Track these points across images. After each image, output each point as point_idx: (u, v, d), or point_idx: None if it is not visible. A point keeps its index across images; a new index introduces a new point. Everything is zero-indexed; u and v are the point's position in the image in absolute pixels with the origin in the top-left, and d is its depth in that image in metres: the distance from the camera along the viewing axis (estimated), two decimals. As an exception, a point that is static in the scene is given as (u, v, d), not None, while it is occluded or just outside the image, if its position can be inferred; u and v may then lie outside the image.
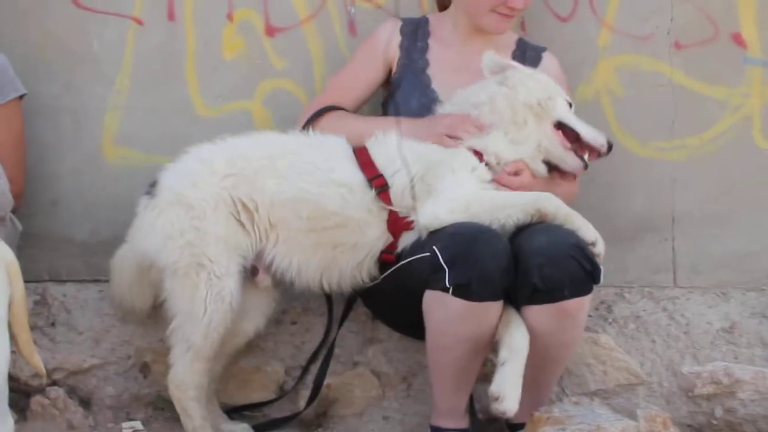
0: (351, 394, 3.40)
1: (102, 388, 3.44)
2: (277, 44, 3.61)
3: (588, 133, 3.10)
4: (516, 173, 3.06)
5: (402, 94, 3.30)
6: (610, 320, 3.51)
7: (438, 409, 3.12)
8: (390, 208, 3.03)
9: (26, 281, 2.80)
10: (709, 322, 3.52)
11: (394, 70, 3.35)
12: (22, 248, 3.24)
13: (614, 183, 3.55)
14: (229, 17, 3.60)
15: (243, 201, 3.07)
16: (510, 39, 3.40)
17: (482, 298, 2.87)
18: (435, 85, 3.32)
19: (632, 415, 2.88)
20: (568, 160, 3.10)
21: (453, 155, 3.04)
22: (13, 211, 3.44)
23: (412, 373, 3.43)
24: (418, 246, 3.00)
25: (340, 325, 3.33)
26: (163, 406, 3.43)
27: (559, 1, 3.57)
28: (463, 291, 2.85)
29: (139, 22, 3.61)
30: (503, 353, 2.92)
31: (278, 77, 3.61)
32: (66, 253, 3.68)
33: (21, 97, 3.50)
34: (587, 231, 2.91)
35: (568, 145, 3.08)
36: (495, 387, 2.90)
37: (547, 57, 3.38)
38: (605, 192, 3.54)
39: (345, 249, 3.04)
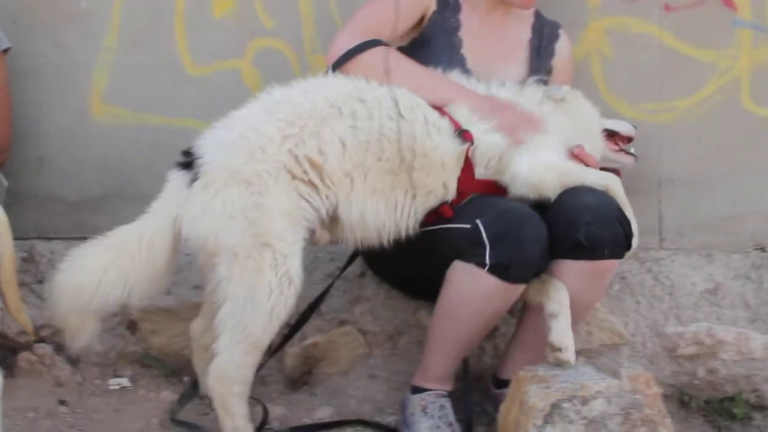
0: (337, 352, 3.38)
1: (89, 345, 3.38)
2: (267, 3, 3.54)
3: (620, 127, 3.21)
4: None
5: (430, 52, 3.14)
6: (595, 281, 3.41)
7: (427, 372, 3.07)
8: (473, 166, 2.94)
9: (14, 239, 2.78)
10: (693, 283, 3.49)
11: (425, 22, 3.18)
12: (8, 205, 3.20)
13: None
14: (218, -25, 3.54)
15: (310, 157, 2.83)
16: (528, 10, 3.32)
17: (518, 280, 2.85)
18: (465, 50, 3.19)
19: (616, 375, 2.86)
20: (621, 159, 3.21)
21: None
22: (-1, 167, 3.39)
23: (399, 332, 3.42)
24: (457, 214, 2.93)
25: (340, 273, 3.26)
26: (150, 364, 3.42)
27: (549, -38, 3.53)
28: (500, 271, 2.82)
29: (128, -21, 3.55)
30: (553, 306, 2.90)
31: (268, 36, 3.54)
32: (53, 211, 3.66)
33: (5, 51, 3.45)
34: (634, 224, 2.93)
35: (617, 147, 3.19)
36: (556, 339, 2.87)
37: (563, 35, 3.34)
38: None
39: (421, 194, 2.89)
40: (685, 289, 3.47)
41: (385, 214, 2.87)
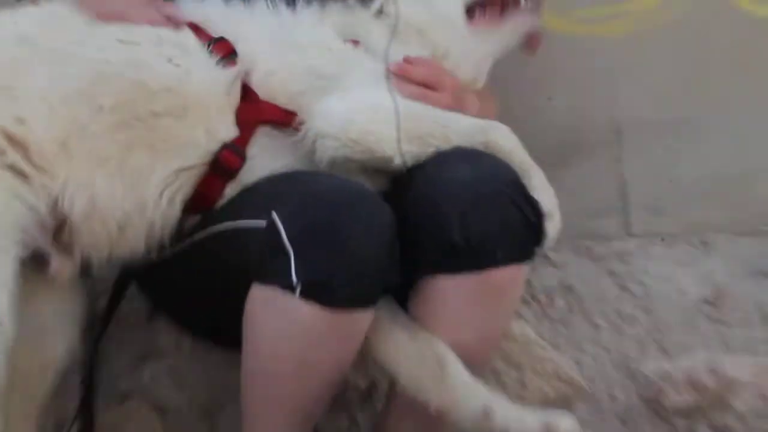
0: (119, 442, 2.63)
1: None
2: None
3: None
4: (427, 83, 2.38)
5: None
6: (527, 296, 2.83)
7: None
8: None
9: None
10: (681, 290, 2.82)
11: None
12: None
13: (524, 78, 2.78)
14: None
15: (6, 130, 2.21)
16: None
17: (351, 303, 2.16)
18: None
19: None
20: (515, 26, 2.47)
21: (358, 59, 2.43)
22: None
23: (216, 404, 2.66)
24: (240, 204, 2.27)
25: (108, 316, 2.49)
26: None
27: None
28: (318, 292, 2.13)
29: None
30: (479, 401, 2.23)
31: None
32: None
33: None
34: (545, 195, 2.27)
35: (498, 18, 2.47)
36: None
37: None
38: (509, 91, 2.72)
39: (175, 150, 2.28)
40: (670, 299, 2.80)
41: (125, 193, 2.20)
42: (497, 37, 2.48)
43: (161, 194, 2.22)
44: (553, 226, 2.22)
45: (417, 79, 2.34)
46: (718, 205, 2.90)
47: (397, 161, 2.23)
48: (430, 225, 2.20)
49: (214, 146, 2.26)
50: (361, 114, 2.26)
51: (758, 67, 2.88)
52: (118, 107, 2.21)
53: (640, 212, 2.90)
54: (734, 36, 2.82)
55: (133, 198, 2.20)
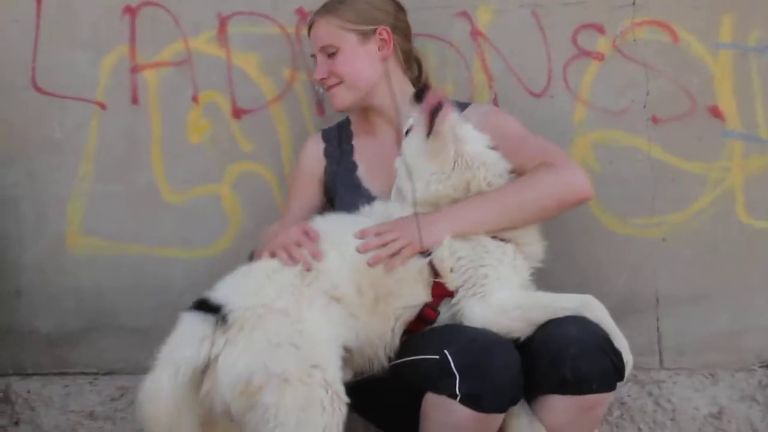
0: None
1: None
2: (245, 126, 3.53)
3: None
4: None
5: (340, 203, 3.25)
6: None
7: None
8: (438, 281, 2.93)
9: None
10: (696, 407, 3.37)
11: (325, 179, 3.32)
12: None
13: (593, 262, 3.45)
14: (194, 99, 3.53)
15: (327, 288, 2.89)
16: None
17: (491, 410, 2.78)
18: (366, 183, 3.26)
19: None
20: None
21: (500, 250, 2.94)
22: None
23: None
24: (424, 343, 2.88)
25: None
26: None
27: (532, 77, 3.47)
28: (473, 401, 2.76)
29: (102, 107, 3.53)
30: None
31: (246, 160, 3.54)
32: (30, 345, 3.58)
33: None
34: (626, 351, 2.82)
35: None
36: None
37: (471, 110, 3.20)
38: (584, 272, 3.44)
39: (397, 298, 2.90)
40: (688, 413, 3.35)
41: (379, 326, 2.87)
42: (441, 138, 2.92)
43: (395, 324, 2.86)
44: (628, 369, 2.80)
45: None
46: (724, 350, 3.42)
47: None
48: (550, 364, 2.78)
49: (420, 302, 2.90)
50: (495, 319, 2.82)
51: (752, 259, 3.45)
52: (372, 286, 2.88)
53: (670, 353, 3.45)
54: (738, 238, 3.45)
55: (381, 328, 2.88)
